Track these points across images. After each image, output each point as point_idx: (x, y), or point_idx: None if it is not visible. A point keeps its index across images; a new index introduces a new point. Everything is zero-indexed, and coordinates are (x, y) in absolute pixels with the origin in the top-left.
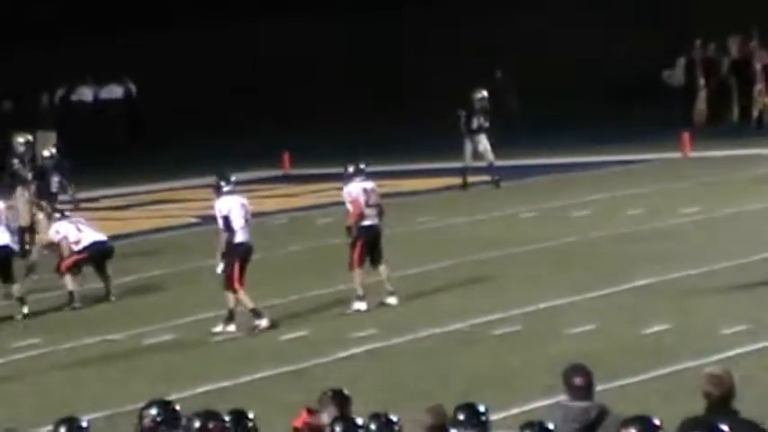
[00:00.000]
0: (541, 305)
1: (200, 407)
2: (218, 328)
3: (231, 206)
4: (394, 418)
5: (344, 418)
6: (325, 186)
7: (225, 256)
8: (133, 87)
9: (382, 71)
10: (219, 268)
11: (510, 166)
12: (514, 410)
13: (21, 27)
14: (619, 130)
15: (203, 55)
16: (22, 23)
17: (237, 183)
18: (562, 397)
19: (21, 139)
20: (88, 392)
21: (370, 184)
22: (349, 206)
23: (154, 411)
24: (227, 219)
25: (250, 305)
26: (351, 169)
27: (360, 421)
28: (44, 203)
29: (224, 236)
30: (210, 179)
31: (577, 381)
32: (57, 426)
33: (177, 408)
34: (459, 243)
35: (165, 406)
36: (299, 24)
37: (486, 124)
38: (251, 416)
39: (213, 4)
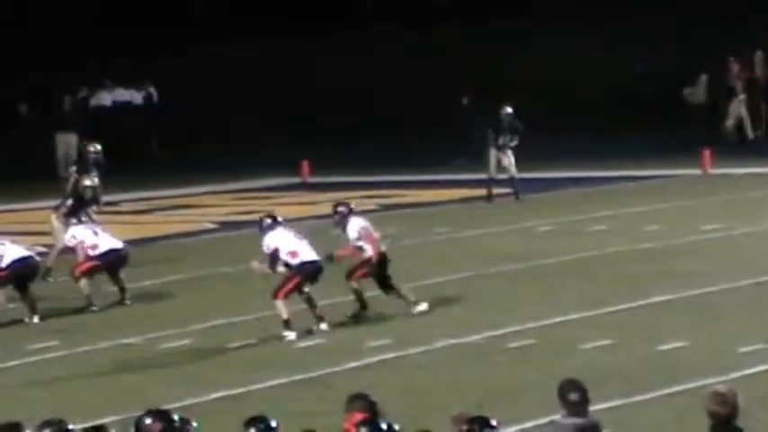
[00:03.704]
0: (557, 319)
1: (214, 413)
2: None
3: (277, 240)
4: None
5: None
6: (343, 195)
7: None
8: (154, 93)
9: (409, 81)
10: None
11: (530, 178)
12: (528, 424)
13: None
14: (638, 146)
15: (227, 65)
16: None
17: (255, 189)
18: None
19: (92, 149)
20: (104, 396)
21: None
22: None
23: (149, 421)
24: (275, 253)
25: (285, 315)
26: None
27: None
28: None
29: (281, 270)
30: (230, 185)
31: (572, 396)
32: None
33: (175, 417)
34: (477, 255)
35: (163, 416)
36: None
37: (513, 143)
38: (273, 424)
39: (241, 22)
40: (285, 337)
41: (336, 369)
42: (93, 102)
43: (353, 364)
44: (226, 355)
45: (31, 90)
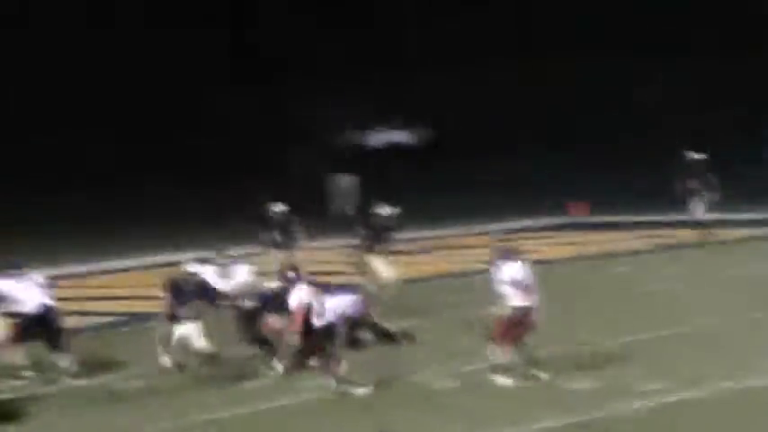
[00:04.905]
0: None
1: None
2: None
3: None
4: None
5: None
6: (619, 236)
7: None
8: (424, 133)
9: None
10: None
11: None
12: None
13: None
14: None
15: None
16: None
17: (526, 230)
18: None
19: (383, 212)
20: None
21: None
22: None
23: None
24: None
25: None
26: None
27: None
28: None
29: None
30: (494, 227)
31: None
32: None
33: None
34: (763, 295)
35: None
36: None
37: (704, 190)
38: None
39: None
40: (497, 381)
41: (605, 414)
42: (366, 142)
43: (623, 408)
44: (494, 393)
45: (303, 130)
